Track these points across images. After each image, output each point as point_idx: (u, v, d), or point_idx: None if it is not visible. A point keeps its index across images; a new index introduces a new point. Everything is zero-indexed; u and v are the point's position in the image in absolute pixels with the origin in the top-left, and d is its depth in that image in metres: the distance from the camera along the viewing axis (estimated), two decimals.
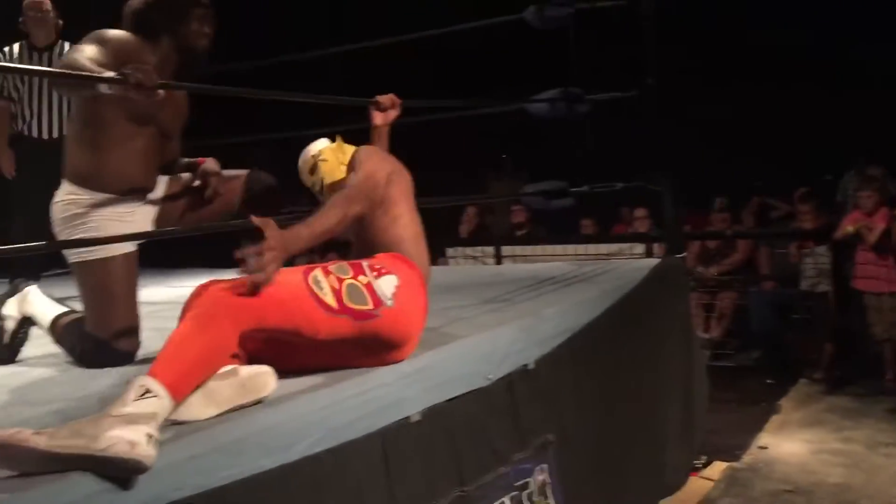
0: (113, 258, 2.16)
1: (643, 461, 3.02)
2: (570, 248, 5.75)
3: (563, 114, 3.54)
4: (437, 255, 6.21)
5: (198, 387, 1.54)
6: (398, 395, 1.89)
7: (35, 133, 4.01)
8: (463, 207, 7.42)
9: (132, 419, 1.34)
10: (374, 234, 2.13)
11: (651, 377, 3.17)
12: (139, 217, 2.27)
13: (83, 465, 1.28)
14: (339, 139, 2.40)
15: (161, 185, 2.36)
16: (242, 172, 2.47)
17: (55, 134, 3.97)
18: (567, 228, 6.84)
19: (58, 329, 2.24)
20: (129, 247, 2.20)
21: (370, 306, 1.86)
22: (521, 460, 2.25)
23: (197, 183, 2.40)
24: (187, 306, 1.71)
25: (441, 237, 6.45)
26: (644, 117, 3.53)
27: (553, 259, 5.44)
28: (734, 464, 3.80)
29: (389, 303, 1.89)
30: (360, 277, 1.90)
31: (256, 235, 1.68)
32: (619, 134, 4.57)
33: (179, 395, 1.49)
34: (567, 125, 3.66)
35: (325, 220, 1.93)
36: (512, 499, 2.16)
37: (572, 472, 2.44)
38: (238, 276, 1.69)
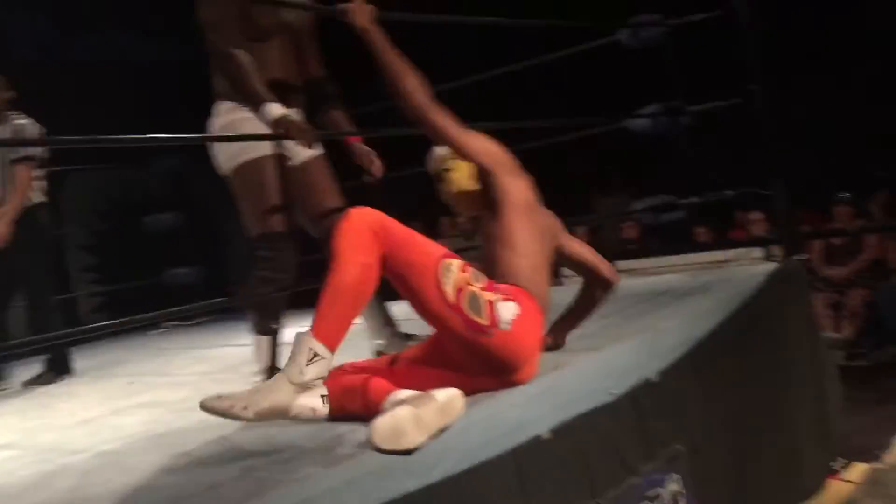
0: (264, 158, 2.38)
1: (777, 466, 3.00)
2: (686, 258, 5.69)
3: (665, 128, 3.58)
4: (552, 277, 6.27)
5: (412, 415, 1.69)
6: (527, 415, 1.99)
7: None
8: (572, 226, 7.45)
9: (308, 386, 1.74)
10: (494, 262, 2.16)
11: (779, 382, 3.14)
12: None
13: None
14: None
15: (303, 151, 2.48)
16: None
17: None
18: (681, 238, 6.77)
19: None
20: (267, 149, 2.40)
21: (485, 322, 1.92)
22: (652, 471, 2.30)
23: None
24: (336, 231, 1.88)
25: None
26: (750, 124, 3.53)
27: (668, 271, 5.40)
28: (875, 465, 3.68)
29: (505, 326, 1.95)
30: (488, 293, 1.96)
31: None
32: (725, 142, 4.55)
33: (335, 346, 1.77)
34: (670, 138, 3.70)
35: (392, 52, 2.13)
36: None
37: (704, 481, 2.47)
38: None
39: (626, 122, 3.60)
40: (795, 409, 3.24)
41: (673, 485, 2.36)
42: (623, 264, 6.19)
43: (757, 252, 5.49)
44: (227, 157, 2.41)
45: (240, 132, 2.39)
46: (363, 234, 1.85)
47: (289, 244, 2.37)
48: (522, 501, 1.89)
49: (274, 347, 2.45)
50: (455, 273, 1.92)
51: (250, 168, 2.36)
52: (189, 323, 5.75)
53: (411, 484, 1.67)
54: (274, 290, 2.39)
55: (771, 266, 3.52)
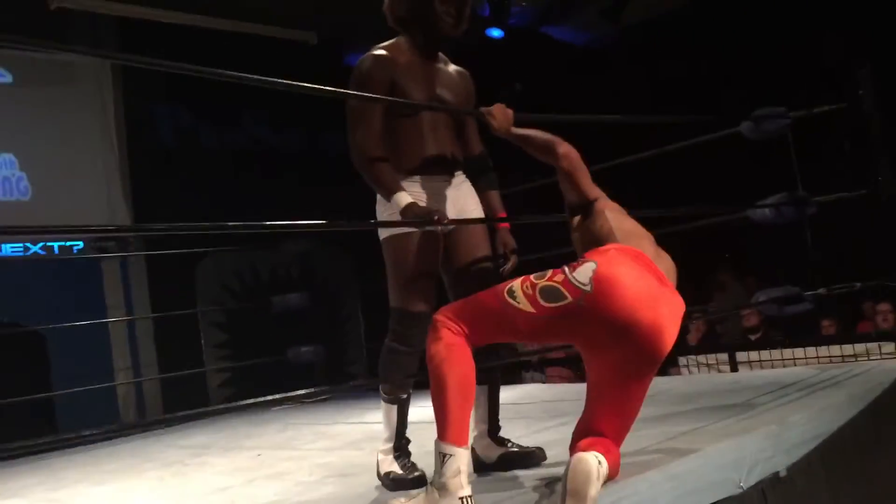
0: (409, 234, 2.44)
1: None
2: (811, 351, 5.49)
3: (789, 217, 3.56)
4: (669, 365, 6.18)
5: None
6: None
7: None
8: (691, 315, 7.33)
9: (445, 487, 1.89)
10: (581, 236, 2.27)
11: None
12: (433, 201, 2.48)
13: None
14: None
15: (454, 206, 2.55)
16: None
17: None
18: (805, 329, 6.54)
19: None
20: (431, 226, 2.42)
21: (569, 299, 1.96)
22: None
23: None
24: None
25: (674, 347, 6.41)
26: (878, 215, 3.47)
27: (792, 363, 5.24)
28: None
29: (587, 288, 1.96)
30: (556, 277, 2.01)
31: None
32: (850, 234, 4.46)
33: (465, 439, 1.92)
34: (790, 228, 3.67)
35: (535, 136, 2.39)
36: None
37: None
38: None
39: (749, 212, 3.60)
40: None
41: None
42: (744, 355, 6.04)
43: (889, 346, 5.27)
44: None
45: (390, 211, 2.47)
46: (446, 329, 2.03)
47: (421, 323, 2.38)
48: None
49: (401, 416, 2.51)
50: (518, 289, 2.01)
51: (398, 241, 2.46)
52: (310, 400, 5.93)
53: None
54: (399, 363, 2.46)
55: None
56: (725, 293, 7.82)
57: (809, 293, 3.54)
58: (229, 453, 3.86)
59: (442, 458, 1.92)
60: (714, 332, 7.51)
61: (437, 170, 2.52)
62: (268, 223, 2.45)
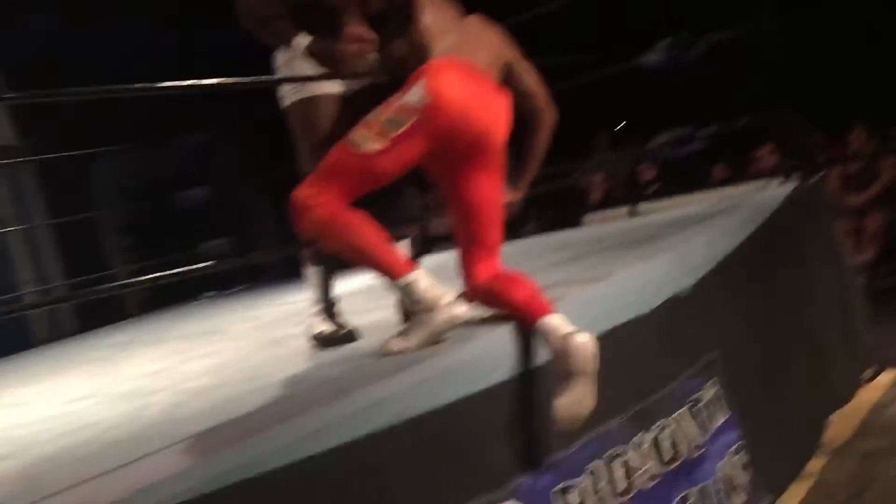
0: (314, 97, 2.42)
1: (808, 375, 3.14)
2: (706, 196, 5.80)
3: (677, 62, 3.69)
4: (575, 224, 6.42)
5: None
6: None
7: None
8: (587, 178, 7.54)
9: (426, 303, 1.98)
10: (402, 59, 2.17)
11: (805, 296, 3.28)
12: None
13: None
14: None
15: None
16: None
17: None
18: (699, 177, 6.86)
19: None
20: (322, 88, 2.43)
21: (411, 120, 1.98)
22: (690, 377, 2.46)
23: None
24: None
25: (575, 207, 6.67)
26: (761, 56, 3.63)
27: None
28: None
29: (424, 101, 1.98)
30: (391, 108, 2.01)
31: None
32: (735, 75, 4.63)
33: (409, 265, 2.02)
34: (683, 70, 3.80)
35: None
36: (689, 408, 2.38)
37: (741, 386, 2.62)
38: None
39: (640, 59, 3.71)
40: (822, 323, 3.38)
41: (711, 389, 2.52)
42: (645, 207, 6.32)
43: (775, 183, 5.61)
44: (284, 92, 2.49)
45: (295, 72, 2.44)
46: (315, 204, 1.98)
47: None
48: None
49: (328, 279, 2.57)
50: (358, 133, 2.00)
51: (303, 106, 2.44)
52: (227, 292, 5.95)
53: (471, 387, 1.84)
54: None
55: (787, 188, 3.63)
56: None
57: (701, 133, 3.72)
58: (156, 345, 3.87)
59: (406, 289, 1.98)
60: (613, 190, 7.79)
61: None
62: (163, 84, 2.29)
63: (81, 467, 1.62)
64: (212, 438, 1.62)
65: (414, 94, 2.01)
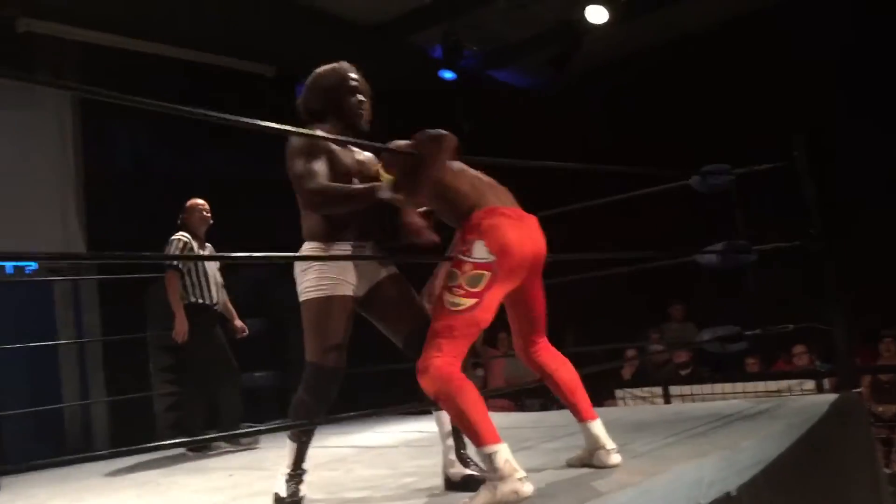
0: (329, 297, 2.62)
1: None
2: (738, 386, 5.90)
3: (731, 264, 3.92)
4: (606, 397, 6.52)
5: None
6: None
7: (201, 300, 4.91)
8: (623, 353, 7.69)
9: (502, 475, 2.24)
10: (449, 207, 2.65)
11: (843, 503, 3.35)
12: (351, 276, 2.67)
13: None
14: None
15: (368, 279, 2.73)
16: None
17: (216, 300, 4.99)
18: (730, 366, 6.98)
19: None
20: (346, 291, 2.65)
21: (489, 274, 2.43)
22: None
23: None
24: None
25: (607, 380, 6.80)
26: (810, 265, 3.86)
27: (721, 396, 5.62)
28: None
29: (489, 256, 2.44)
30: (465, 267, 2.45)
31: None
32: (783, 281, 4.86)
33: (498, 437, 2.29)
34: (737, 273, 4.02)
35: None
36: None
37: None
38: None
39: (697, 257, 3.94)
40: None
41: None
42: (676, 389, 6.42)
43: (808, 384, 5.71)
44: (301, 289, 2.70)
45: (310, 276, 2.65)
46: (443, 367, 2.38)
47: (337, 379, 2.64)
48: None
49: (300, 453, 2.75)
50: (451, 297, 2.44)
51: (317, 305, 2.63)
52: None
53: None
54: (309, 413, 2.64)
55: (831, 397, 3.76)
56: (672, 330, 8.26)
57: (748, 333, 3.89)
58: (199, 473, 3.95)
59: (489, 458, 2.26)
60: (646, 367, 7.91)
61: (362, 237, 2.72)
62: (216, 254, 2.50)
63: None
64: None
65: (480, 250, 2.46)
